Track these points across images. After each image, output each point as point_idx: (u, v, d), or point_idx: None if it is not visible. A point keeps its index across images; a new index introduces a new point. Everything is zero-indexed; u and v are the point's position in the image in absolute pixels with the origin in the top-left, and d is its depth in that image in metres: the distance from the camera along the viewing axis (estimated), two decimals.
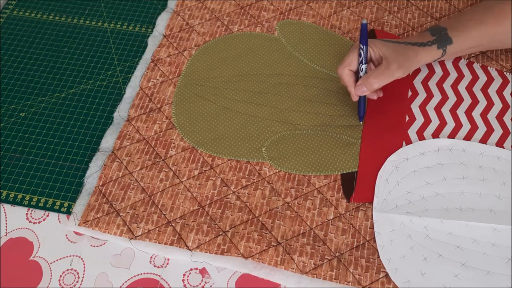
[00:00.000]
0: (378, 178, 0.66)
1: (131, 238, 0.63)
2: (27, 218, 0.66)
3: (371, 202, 0.64)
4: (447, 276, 0.59)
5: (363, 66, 0.68)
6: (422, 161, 0.66)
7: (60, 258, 0.63)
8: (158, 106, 0.74)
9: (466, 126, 0.69)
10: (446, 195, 0.64)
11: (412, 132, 0.69)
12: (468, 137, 0.69)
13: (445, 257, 0.60)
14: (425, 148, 0.67)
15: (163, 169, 0.68)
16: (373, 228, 0.62)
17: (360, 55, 0.67)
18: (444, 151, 0.67)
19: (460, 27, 0.69)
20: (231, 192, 0.66)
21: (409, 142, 0.69)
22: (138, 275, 0.62)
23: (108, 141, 0.71)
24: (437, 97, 0.72)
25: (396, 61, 0.66)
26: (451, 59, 0.75)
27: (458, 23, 0.69)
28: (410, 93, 0.73)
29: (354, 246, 0.62)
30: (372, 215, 0.64)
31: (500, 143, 0.68)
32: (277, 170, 0.68)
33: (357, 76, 0.69)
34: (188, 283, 0.61)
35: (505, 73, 0.74)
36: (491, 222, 0.61)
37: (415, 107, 0.71)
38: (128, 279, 0.61)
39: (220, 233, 0.63)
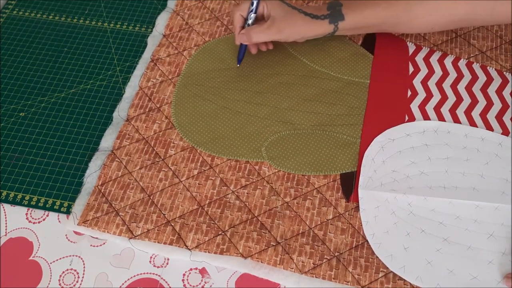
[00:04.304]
0: (364, 158, 0.67)
1: (130, 238, 0.63)
2: (27, 218, 0.66)
3: None
4: (429, 250, 0.61)
5: (252, 15, 0.72)
6: (407, 142, 0.68)
7: (60, 258, 0.63)
8: (158, 105, 0.74)
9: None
10: (430, 174, 0.65)
11: None
12: None
13: (427, 232, 0.62)
14: (411, 130, 0.69)
15: (163, 169, 0.68)
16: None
17: (252, 3, 0.71)
18: (430, 132, 0.69)
19: (354, 5, 0.71)
20: (231, 191, 0.66)
21: None
22: (138, 275, 0.62)
23: (108, 140, 0.71)
24: (436, 97, 0.72)
25: (279, 24, 0.70)
26: (346, 35, 0.77)
27: (353, 2, 0.71)
28: (409, 93, 0.73)
29: (353, 245, 0.62)
30: None
31: None
32: (277, 170, 0.68)
33: (245, 22, 0.73)
34: (188, 283, 0.61)
35: (504, 73, 0.74)
36: (474, 200, 0.63)
37: (414, 106, 0.71)
38: (128, 279, 0.61)
39: (220, 232, 0.63)
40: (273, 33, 0.70)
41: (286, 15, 0.70)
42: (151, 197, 0.66)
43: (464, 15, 0.69)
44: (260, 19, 0.73)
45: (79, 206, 0.66)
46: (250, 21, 0.72)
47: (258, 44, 0.75)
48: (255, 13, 0.72)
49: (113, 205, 0.65)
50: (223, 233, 0.63)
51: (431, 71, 0.75)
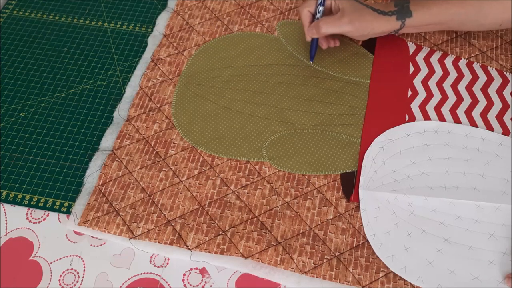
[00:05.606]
0: (365, 158, 0.67)
1: (131, 238, 0.63)
2: (27, 218, 0.66)
3: None
4: (430, 250, 0.61)
5: (320, 8, 0.71)
6: (408, 142, 0.68)
7: (60, 258, 0.63)
8: (158, 105, 0.74)
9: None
10: (431, 174, 0.65)
11: None
12: None
13: (428, 232, 0.62)
14: (411, 130, 0.69)
15: (163, 169, 0.68)
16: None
17: None
18: (430, 132, 0.69)
19: (422, 2, 0.70)
20: (231, 191, 0.66)
21: None
22: (138, 275, 0.62)
23: (108, 140, 0.71)
24: (437, 96, 0.72)
25: (349, 16, 0.69)
26: (413, 32, 0.76)
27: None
28: (410, 93, 0.73)
29: (354, 245, 0.62)
30: None
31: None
32: (277, 170, 0.68)
33: (314, 18, 0.73)
34: (188, 283, 0.61)
35: (505, 72, 0.74)
36: (475, 200, 0.63)
37: (415, 106, 0.71)
38: (128, 279, 0.61)
39: (220, 232, 0.63)
40: (343, 24, 0.69)
41: (356, 8, 0.70)
42: (152, 197, 0.66)
43: None
44: (327, 15, 0.73)
45: (79, 206, 0.65)
46: (318, 15, 0.72)
47: (328, 39, 0.75)
48: (323, 5, 0.71)
49: (113, 205, 0.65)
50: (223, 233, 0.63)
51: (431, 71, 0.75)
